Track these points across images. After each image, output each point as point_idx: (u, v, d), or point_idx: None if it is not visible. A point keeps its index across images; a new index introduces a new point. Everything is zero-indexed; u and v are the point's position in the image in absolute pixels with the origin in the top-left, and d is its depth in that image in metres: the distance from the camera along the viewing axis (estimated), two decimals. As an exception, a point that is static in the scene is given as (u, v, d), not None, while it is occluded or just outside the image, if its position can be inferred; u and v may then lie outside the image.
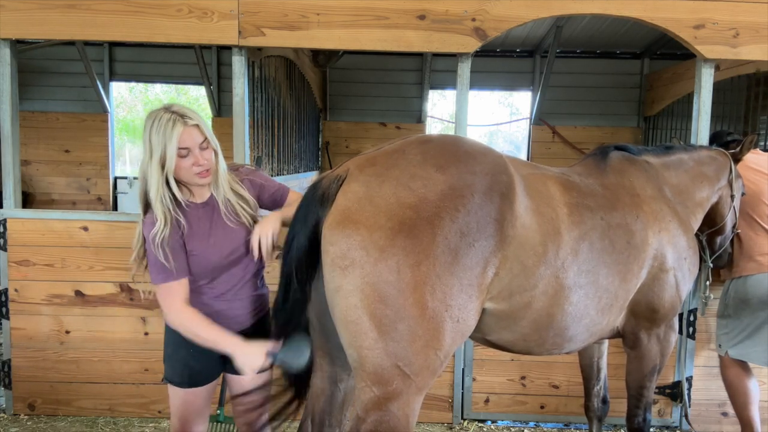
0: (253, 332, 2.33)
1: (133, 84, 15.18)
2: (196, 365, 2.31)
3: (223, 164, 2.22)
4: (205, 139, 2.12)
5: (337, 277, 1.82)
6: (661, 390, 3.67)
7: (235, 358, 2.08)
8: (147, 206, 2.15)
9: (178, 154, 2.07)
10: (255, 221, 2.31)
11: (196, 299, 2.30)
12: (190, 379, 2.32)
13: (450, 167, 1.91)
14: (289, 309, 2.00)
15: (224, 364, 2.37)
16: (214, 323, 2.15)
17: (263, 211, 2.42)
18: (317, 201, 1.91)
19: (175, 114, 2.07)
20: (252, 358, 2.06)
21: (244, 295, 2.32)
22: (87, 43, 7.28)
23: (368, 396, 1.84)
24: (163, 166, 2.07)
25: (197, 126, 2.10)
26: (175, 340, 2.33)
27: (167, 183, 2.10)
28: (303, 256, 1.93)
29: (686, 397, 3.61)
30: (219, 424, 2.99)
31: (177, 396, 2.34)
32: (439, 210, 1.82)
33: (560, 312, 2.15)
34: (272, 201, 2.40)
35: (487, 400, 3.75)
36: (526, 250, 2.00)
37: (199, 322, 2.13)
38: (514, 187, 2.00)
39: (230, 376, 2.41)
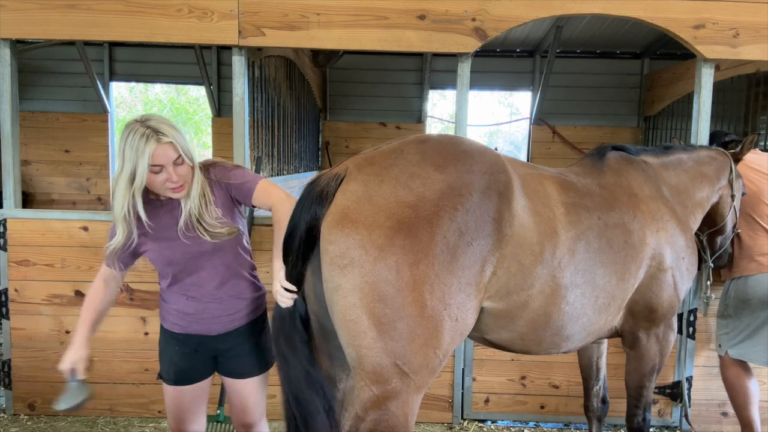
0: (245, 332, 2.32)
1: (133, 84, 15.19)
2: (182, 364, 2.31)
3: (198, 179, 2.16)
4: (179, 155, 2.08)
5: (336, 276, 1.82)
6: (661, 390, 3.67)
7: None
8: None
9: (150, 171, 2.04)
10: (229, 231, 2.22)
11: (172, 299, 2.28)
12: (176, 377, 2.32)
13: (448, 166, 1.91)
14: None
15: (216, 365, 2.37)
16: (94, 310, 2.31)
17: (260, 212, 2.39)
18: (315, 199, 1.91)
19: (150, 129, 2.02)
20: (65, 362, 2.28)
21: (225, 294, 2.27)
22: (87, 43, 7.28)
23: (367, 395, 1.84)
24: (132, 181, 2.03)
25: (171, 143, 2.05)
26: (165, 338, 2.35)
27: (134, 198, 2.06)
28: (301, 253, 1.93)
29: (686, 397, 3.61)
30: (219, 424, 2.99)
31: (167, 393, 2.36)
32: (438, 209, 1.82)
33: (557, 311, 2.15)
34: (242, 196, 2.29)
35: (487, 400, 3.75)
36: (523, 249, 2.00)
37: (88, 295, 2.32)
38: (512, 187, 2.01)
39: (224, 378, 2.40)
